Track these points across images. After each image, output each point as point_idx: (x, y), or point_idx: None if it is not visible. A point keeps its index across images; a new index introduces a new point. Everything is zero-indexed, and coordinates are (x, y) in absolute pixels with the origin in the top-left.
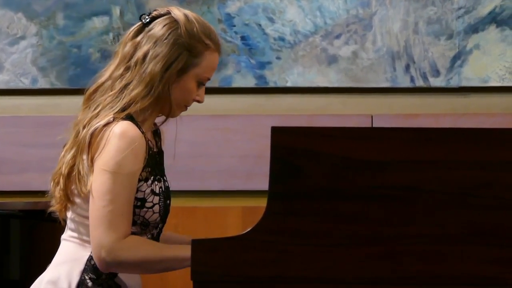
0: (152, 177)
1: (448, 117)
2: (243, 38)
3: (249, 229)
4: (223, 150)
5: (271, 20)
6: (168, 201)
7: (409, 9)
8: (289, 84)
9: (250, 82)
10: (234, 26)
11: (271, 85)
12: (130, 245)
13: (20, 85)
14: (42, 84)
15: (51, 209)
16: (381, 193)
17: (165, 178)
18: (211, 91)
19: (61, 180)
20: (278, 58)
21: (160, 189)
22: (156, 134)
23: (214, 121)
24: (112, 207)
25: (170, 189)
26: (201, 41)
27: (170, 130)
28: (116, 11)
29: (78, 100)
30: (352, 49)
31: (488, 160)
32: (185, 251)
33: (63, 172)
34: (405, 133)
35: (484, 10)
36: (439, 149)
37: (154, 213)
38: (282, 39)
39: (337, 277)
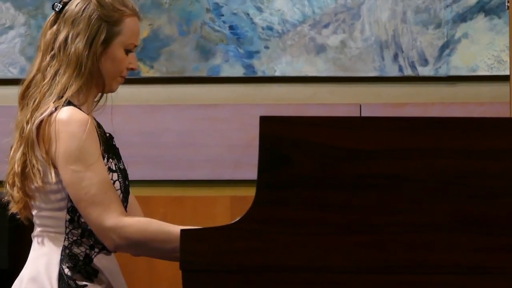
0: (106, 155)
1: (436, 106)
2: (231, 27)
3: (238, 219)
4: (211, 139)
5: (259, 9)
6: (127, 182)
7: None
8: (277, 74)
9: (239, 72)
10: (222, 15)
11: (260, 74)
12: (135, 222)
13: (9, 75)
14: None
15: (11, 211)
16: (370, 182)
17: (121, 161)
18: (199, 80)
19: (16, 179)
20: (266, 47)
21: (116, 166)
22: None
23: (202, 110)
24: (93, 191)
25: (159, 178)
26: (116, 9)
27: (158, 121)
28: None
29: None
30: (341, 38)
31: (476, 149)
32: None
33: (16, 170)
34: (393, 122)
35: None
36: (427, 138)
37: (115, 189)
38: (270, 28)
39: (325, 266)
